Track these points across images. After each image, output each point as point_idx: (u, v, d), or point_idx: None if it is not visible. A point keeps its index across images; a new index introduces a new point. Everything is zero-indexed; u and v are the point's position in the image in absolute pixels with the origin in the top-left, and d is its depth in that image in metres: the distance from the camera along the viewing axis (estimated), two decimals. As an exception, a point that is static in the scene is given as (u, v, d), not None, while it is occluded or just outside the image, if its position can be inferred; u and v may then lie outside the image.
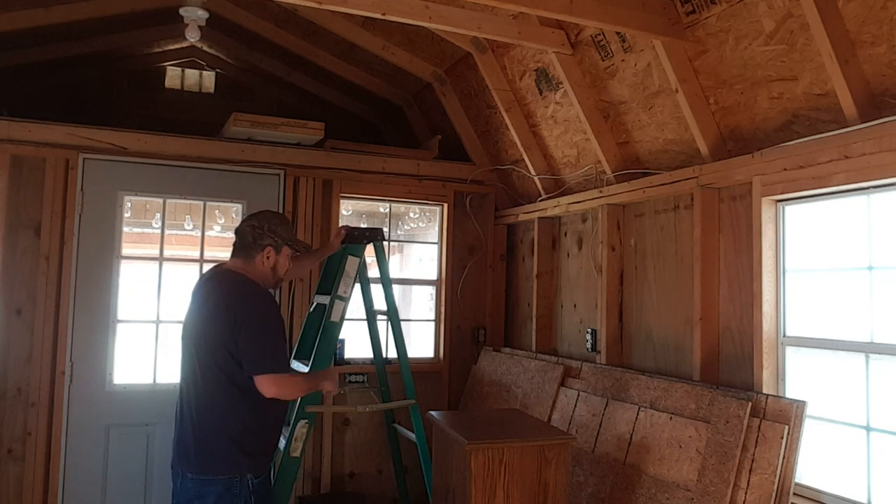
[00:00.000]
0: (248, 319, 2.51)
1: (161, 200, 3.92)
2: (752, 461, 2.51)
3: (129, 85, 5.09)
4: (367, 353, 3.92)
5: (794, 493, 2.48)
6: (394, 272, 4.91)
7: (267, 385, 2.50)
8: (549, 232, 4.24)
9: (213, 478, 2.47)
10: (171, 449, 2.59)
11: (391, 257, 4.90)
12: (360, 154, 4.32)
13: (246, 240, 2.66)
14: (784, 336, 2.74)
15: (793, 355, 2.72)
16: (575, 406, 3.48)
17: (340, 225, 3.17)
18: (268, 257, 2.66)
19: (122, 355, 3.78)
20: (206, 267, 3.91)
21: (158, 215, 3.94)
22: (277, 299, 3.87)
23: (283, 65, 5.00)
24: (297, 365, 3.44)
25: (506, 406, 3.97)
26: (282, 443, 3.16)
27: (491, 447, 2.65)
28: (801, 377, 2.69)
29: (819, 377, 2.63)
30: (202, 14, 3.94)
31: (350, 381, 4.17)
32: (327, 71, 4.78)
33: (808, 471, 2.58)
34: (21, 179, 3.59)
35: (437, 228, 4.63)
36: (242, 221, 2.76)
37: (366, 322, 3.80)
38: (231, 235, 2.77)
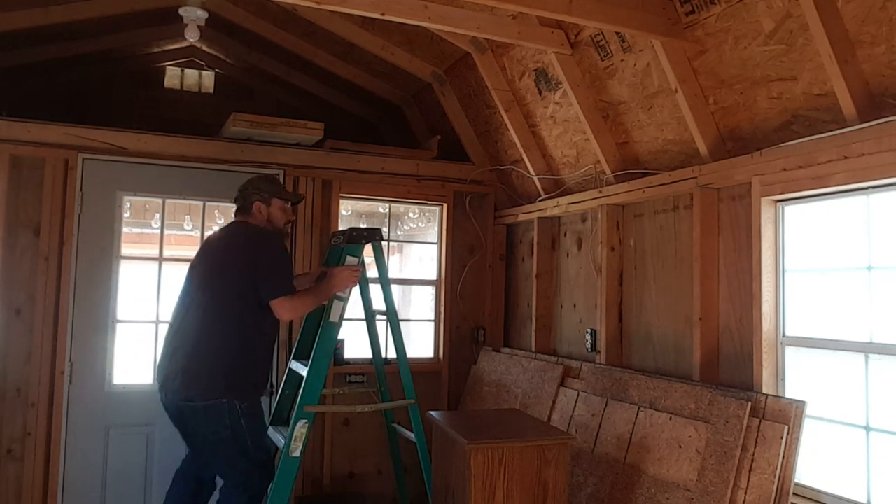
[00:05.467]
0: (265, 254, 3.03)
1: (160, 200, 3.92)
2: (752, 461, 2.51)
3: (128, 85, 5.09)
4: (366, 353, 3.92)
5: (794, 493, 2.49)
6: (393, 272, 4.91)
7: (282, 307, 2.98)
8: (549, 232, 4.25)
9: (201, 403, 2.91)
10: (159, 376, 3.08)
11: (391, 257, 4.90)
12: (360, 154, 4.32)
13: (239, 202, 3.25)
14: (783, 336, 2.74)
15: (792, 355, 2.72)
16: (574, 406, 3.49)
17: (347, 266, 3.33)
18: (259, 211, 3.21)
19: (121, 355, 3.78)
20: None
21: (158, 215, 3.94)
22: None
23: (283, 65, 5.00)
24: (296, 365, 3.44)
25: (505, 406, 3.97)
26: (281, 442, 3.17)
27: (491, 447, 2.65)
28: (800, 377, 2.69)
29: (818, 377, 2.63)
30: (201, 14, 3.93)
31: (350, 381, 4.17)
32: (327, 71, 4.78)
33: (808, 471, 2.58)
34: (20, 179, 3.59)
35: (436, 228, 4.63)
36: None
37: (365, 322, 3.80)
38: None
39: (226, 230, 3.27)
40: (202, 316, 3.01)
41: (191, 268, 3.20)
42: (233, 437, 2.94)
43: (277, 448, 3.34)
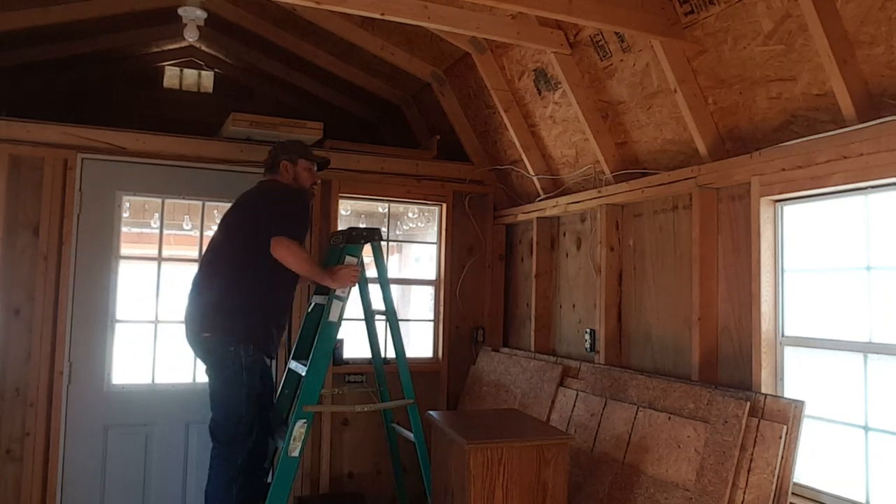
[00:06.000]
0: (284, 200, 3.22)
1: (160, 200, 3.92)
2: (751, 461, 2.51)
3: (128, 85, 5.10)
4: (365, 352, 3.92)
5: (793, 493, 2.49)
6: (393, 272, 4.91)
7: (281, 244, 3.05)
8: (548, 232, 4.25)
9: (211, 346, 3.10)
10: (185, 315, 3.23)
11: (390, 257, 4.90)
12: (359, 154, 4.32)
13: (268, 162, 3.45)
14: (782, 336, 2.74)
15: (791, 355, 2.72)
16: (573, 406, 3.49)
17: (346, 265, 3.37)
18: (286, 170, 3.40)
19: (120, 355, 3.78)
20: (205, 267, 3.95)
21: (157, 215, 3.93)
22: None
23: (282, 65, 5.00)
24: (295, 365, 3.44)
25: (504, 406, 3.97)
26: (280, 442, 3.16)
27: (490, 447, 2.65)
28: (799, 377, 2.69)
29: (817, 377, 2.63)
30: (200, 14, 3.93)
31: (349, 381, 4.17)
32: (326, 71, 4.78)
33: (807, 470, 2.58)
34: (20, 179, 3.59)
35: (435, 228, 4.63)
36: None
37: (364, 322, 3.80)
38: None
39: (255, 186, 3.44)
40: (223, 263, 3.18)
41: (222, 219, 3.39)
42: (230, 385, 3.09)
43: (276, 448, 3.34)
